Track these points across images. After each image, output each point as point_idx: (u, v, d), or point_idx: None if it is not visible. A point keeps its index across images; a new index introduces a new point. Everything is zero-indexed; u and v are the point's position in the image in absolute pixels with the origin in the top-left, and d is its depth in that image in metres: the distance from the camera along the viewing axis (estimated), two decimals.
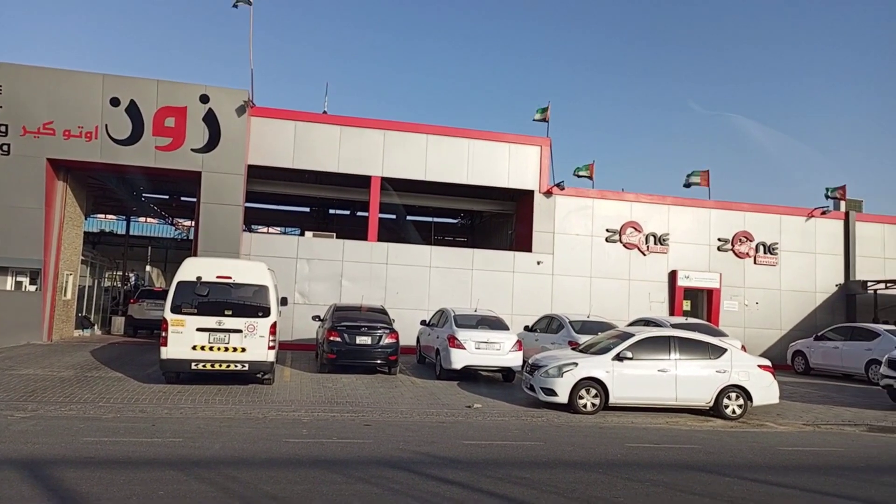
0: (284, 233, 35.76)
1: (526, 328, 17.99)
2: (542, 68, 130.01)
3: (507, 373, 15.22)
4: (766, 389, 12.20)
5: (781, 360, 20.96)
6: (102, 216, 39.40)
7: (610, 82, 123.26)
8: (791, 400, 14.27)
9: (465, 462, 7.79)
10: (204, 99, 18.85)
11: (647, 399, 12.00)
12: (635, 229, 22.99)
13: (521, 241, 23.22)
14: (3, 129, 17.46)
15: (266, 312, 12.47)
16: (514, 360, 14.78)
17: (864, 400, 14.77)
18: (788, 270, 24.03)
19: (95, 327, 22.98)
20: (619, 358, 11.84)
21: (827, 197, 24.94)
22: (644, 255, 23.06)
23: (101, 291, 25.68)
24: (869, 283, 23.84)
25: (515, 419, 10.96)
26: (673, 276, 23.08)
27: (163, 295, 16.08)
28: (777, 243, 23.99)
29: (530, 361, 12.75)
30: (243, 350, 12.17)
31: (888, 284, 23.52)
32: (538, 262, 22.08)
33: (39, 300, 18.32)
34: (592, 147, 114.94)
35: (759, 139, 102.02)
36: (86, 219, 23.08)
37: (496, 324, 15.70)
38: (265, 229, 37.00)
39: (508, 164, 22.13)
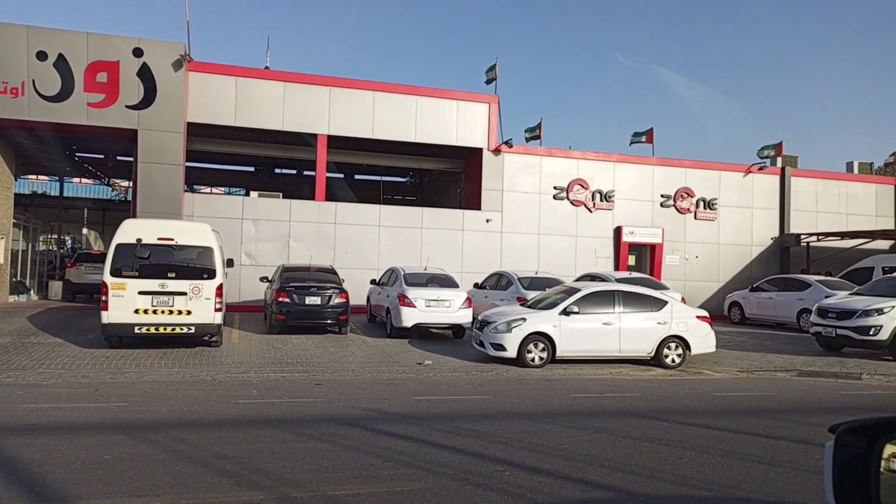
0: (229, 193, 34.85)
1: (475, 285, 18.19)
2: (487, 23, 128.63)
3: (458, 330, 15.41)
4: (703, 339, 12.73)
5: (719, 310, 21.84)
6: (34, 177, 37.62)
7: (551, 37, 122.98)
8: (727, 348, 14.94)
9: (415, 417, 7.92)
10: (137, 52, 17.98)
11: (592, 351, 12.37)
12: (582, 186, 23.30)
13: (470, 199, 23.27)
14: None
15: (211, 274, 12.24)
16: (464, 317, 14.97)
17: (795, 347, 15.59)
18: (727, 225, 24.86)
19: (31, 292, 22.14)
20: (565, 312, 12.13)
21: (760, 157, 25.69)
22: (590, 211, 23.45)
23: (37, 255, 24.66)
24: (802, 236, 24.92)
25: (465, 374, 11.17)
26: (618, 232, 23.59)
27: (101, 258, 15.55)
28: (716, 199, 24.72)
29: (480, 318, 12.94)
30: (189, 313, 11.95)
31: (820, 237, 24.63)
32: (487, 220, 22.21)
33: None
34: (540, 104, 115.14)
35: (682, 92, 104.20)
36: (15, 180, 21.97)
37: (446, 282, 15.81)
38: (208, 190, 35.96)
39: (457, 122, 21.99)
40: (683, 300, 15.61)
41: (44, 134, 19.69)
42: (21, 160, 22.82)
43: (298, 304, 14.54)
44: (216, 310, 12.16)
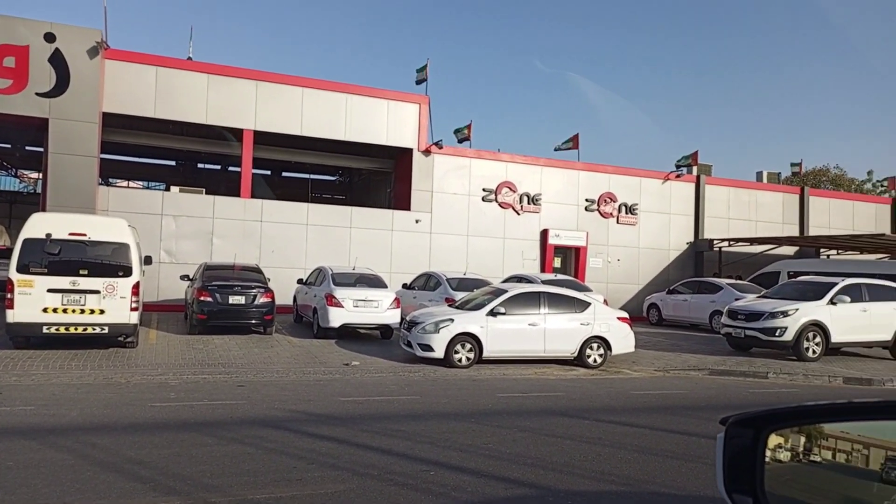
0: (148, 187, 33.44)
1: (404, 286, 18.19)
2: (420, 25, 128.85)
3: (386, 330, 15.35)
4: (623, 339, 13.20)
5: (638, 312, 22.66)
6: None
7: (480, 39, 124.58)
8: (645, 348, 15.52)
9: (341, 418, 7.85)
10: (49, 37, 17.00)
11: (518, 352, 12.60)
12: (510, 189, 23.68)
13: (400, 199, 23.23)
14: None
15: (127, 272, 11.72)
16: (393, 317, 14.93)
17: (708, 347, 16.37)
18: (646, 229, 25.84)
19: None
20: (492, 313, 12.30)
21: (677, 167, 26.85)
22: (518, 214, 23.86)
23: None
24: (715, 242, 26.21)
25: (393, 375, 11.15)
26: (545, 234, 24.11)
27: (7, 254, 14.60)
28: (637, 204, 25.65)
29: (408, 318, 12.95)
30: (102, 312, 11.40)
31: (731, 242, 25.96)
32: (416, 221, 22.24)
33: None
34: (471, 106, 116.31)
35: (595, 99, 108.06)
36: None
37: (374, 282, 15.73)
38: (126, 184, 34.38)
39: (387, 122, 21.91)
40: (606, 302, 16.11)
41: None
42: None
43: (221, 303, 14.12)
44: (132, 309, 11.65)
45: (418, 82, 23.09)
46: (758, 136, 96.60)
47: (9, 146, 25.82)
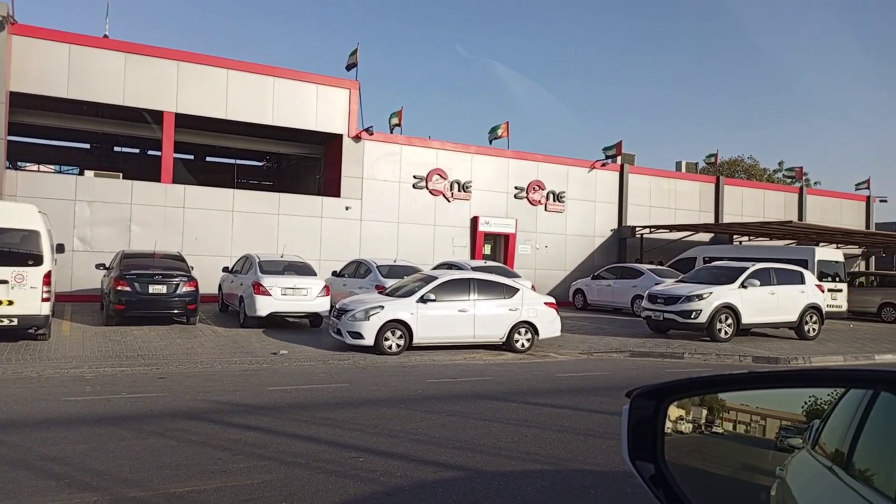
0: (60, 171, 31.65)
1: (334, 273, 18.01)
2: (352, 10, 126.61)
3: (315, 318, 15.18)
4: (550, 324, 13.53)
5: (565, 297, 23.24)
6: None
7: (409, 23, 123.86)
8: (571, 332, 15.96)
9: (269, 408, 7.74)
10: None
11: (448, 338, 12.73)
12: (441, 176, 23.76)
13: (330, 186, 22.93)
14: None
15: (38, 260, 11.12)
16: (322, 305, 14.78)
17: (629, 330, 16.99)
18: (573, 217, 26.50)
19: None
20: (423, 300, 12.36)
21: (606, 155, 27.62)
22: (449, 201, 23.99)
23: None
24: (637, 229, 27.17)
25: (322, 363, 11.06)
26: (475, 221, 24.35)
27: None
28: (564, 192, 26.24)
29: (338, 306, 12.85)
30: (10, 303, 10.80)
31: (652, 229, 26.98)
32: (346, 208, 22.01)
33: None
34: (402, 93, 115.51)
35: (514, 88, 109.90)
36: None
37: (303, 269, 15.51)
38: (36, 167, 32.42)
39: (316, 107, 21.53)
40: (533, 287, 16.44)
41: None
42: None
43: (140, 293, 13.59)
44: (43, 300, 11.07)
45: (348, 67, 22.79)
46: (677, 126, 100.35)
47: None
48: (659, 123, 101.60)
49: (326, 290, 14.98)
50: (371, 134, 22.32)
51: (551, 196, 25.96)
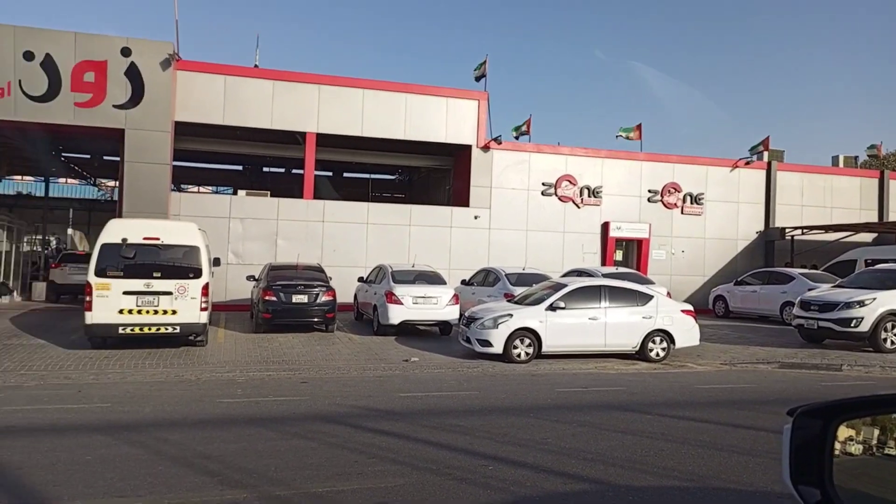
0: (216, 192, 34.70)
1: (463, 282, 18.23)
2: (475, 19, 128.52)
3: (445, 326, 15.45)
4: (688, 333, 12.84)
5: (704, 304, 21.98)
6: (19, 178, 37.24)
7: (537, 32, 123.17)
8: (711, 342, 15.05)
9: (401, 413, 7.95)
10: (125, 52, 17.84)
11: (577, 346, 12.45)
12: (570, 182, 23.38)
13: (459, 196, 23.30)
14: None
15: (197, 273, 12.20)
16: (451, 313, 15.01)
17: (778, 339, 15.73)
18: (713, 219, 25.01)
19: (15, 294, 21.95)
20: (552, 308, 12.19)
21: (751, 153, 25.89)
22: (578, 207, 23.55)
23: (20, 256, 24.45)
24: (787, 230, 25.11)
25: (452, 371, 11.21)
26: (605, 227, 23.69)
27: (86, 258, 15.44)
28: (703, 193, 24.85)
29: (467, 314, 12.99)
30: (174, 312, 11.91)
31: (805, 230, 24.83)
32: (475, 217, 22.26)
33: None
34: (529, 100, 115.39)
35: (658, 88, 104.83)
36: (0, 181, 21.76)
37: (433, 278, 15.84)
38: (196, 189, 35.80)
39: (446, 119, 22.00)
40: (669, 294, 15.70)
41: (30, 134, 19.52)
42: (6, 160, 22.62)
43: (285, 302, 14.51)
44: (202, 309, 12.12)
45: (477, 79, 23.13)
46: (833, 120, 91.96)
47: (88, 156, 27.30)
48: (811, 119, 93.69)
49: (456, 298, 15.20)
50: (499, 143, 22.44)
51: (688, 198, 24.70)
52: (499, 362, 11.89)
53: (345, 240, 20.88)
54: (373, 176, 32.59)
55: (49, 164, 26.90)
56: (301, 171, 21.81)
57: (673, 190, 24.49)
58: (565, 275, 18.37)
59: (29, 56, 17.13)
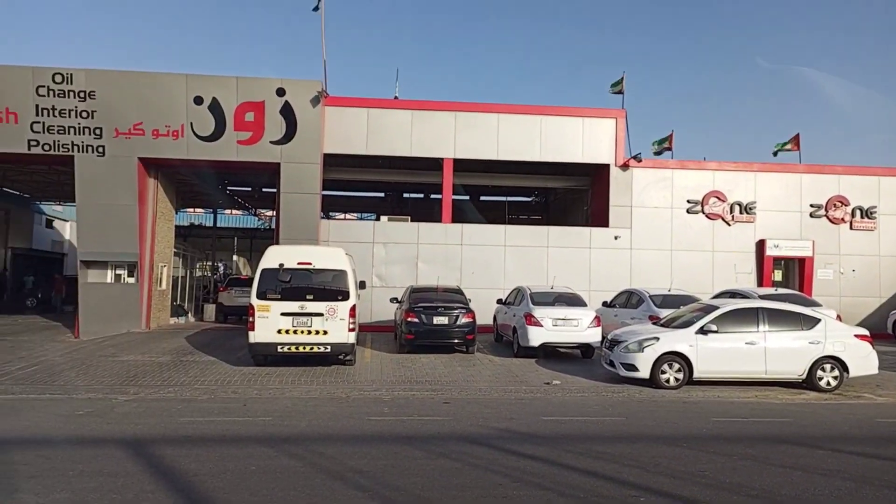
0: (361, 218, 36.52)
1: (604, 304, 17.70)
2: (612, 39, 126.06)
3: (586, 349, 15.05)
4: (863, 360, 11.53)
5: (881, 328, 19.75)
6: (191, 210, 41.41)
7: (679, 47, 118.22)
8: (892, 370, 13.43)
9: (544, 437, 7.79)
10: (280, 92, 19.39)
11: (733, 373, 11.60)
12: (719, 199, 22.09)
13: (598, 216, 22.78)
14: (98, 131, 18.58)
15: (345, 296, 12.82)
16: (593, 336, 14.61)
17: None
18: (888, 235, 22.47)
19: (189, 315, 24.26)
20: (703, 331, 11.49)
21: None
22: (728, 225, 22.16)
23: (193, 281, 27.05)
24: None
25: (595, 395, 10.85)
26: (760, 245, 22.06)
27: (249, 282, 16.78)
28: (875, 207, 22.45)
29: (609, 337, 12.56)
30: (325, 333, 12.57)
31: None
32: (616, 237, 21.63)
33: (137, 291, 19.51)
34: (670, 116, 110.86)
35: (832, 93, 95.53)
36: (176, 213, 24.32)
37: (573, 300, 15.52)
38: (342, 216, 37.90)
39: (582, 139, 21.70)
40: (839, 318, 14.24)
41: (200, 171, 21.71)
42: (180, 195, 25.27)
43: (427, 323, 14.85)
44: (350, 330, 12.70)
45: (612, 92, 22.67)
46: None
47: (249, 189, 29.83)
48: None
49: (597, 320, 14.78)
50: (639, 161, 21.73)
51: (858, 212, 22.42)
52: (646, 387, 11.36)
53: (483, 262, 21.09)
54: (509, 199, 32.71)
55: (216, 197, 29.72)
56: (439, 196, 22.39)
57: (839, 203, 22.36)
58: (717, 296, 17.26)
59: (198, 101, 19.09)
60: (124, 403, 9.50)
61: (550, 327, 14.41)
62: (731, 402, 10.56)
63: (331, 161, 21.29)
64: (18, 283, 28.65)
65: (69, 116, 18.37)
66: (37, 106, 18.21)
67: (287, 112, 19.40)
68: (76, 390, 10.45)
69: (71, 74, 18.39)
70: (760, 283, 21.60)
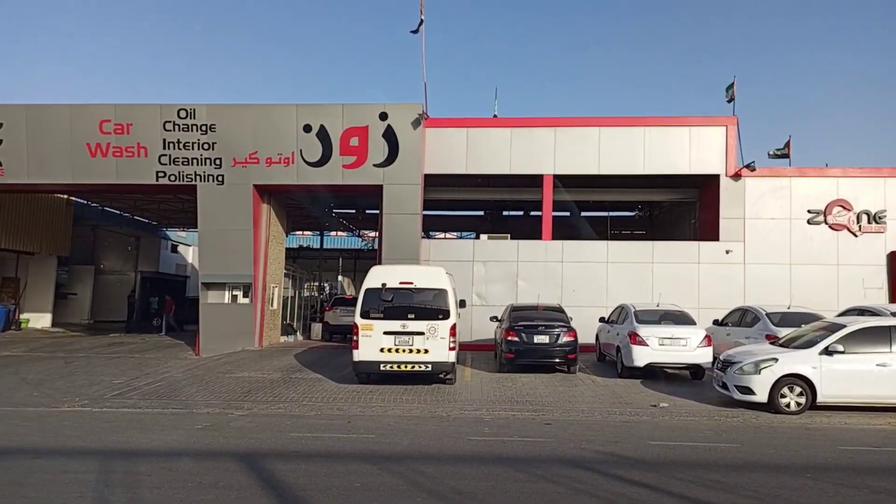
0: (460, 237, 36.80)
1: (715, 322, 16.80)
2: (721, 45, 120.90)
3: (696, 370, 14.34)
4: None
5: None
6: (300, 233, 43.40)
7: (792, 49, 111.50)
8: None
9: (651, 463, 7.47)
10: (383, 116, 20.02)
11: (864, 397, 10.66)
12: (843, 208, 20.52)
13: (706, 229, 21.76)
14: (217, 161, 19.90)
15: (446, 315, 12.93)
16: (703, 356, 13.90)
17: None
18: None
19: (297, 333, 25.30)
20: (827, 352, 10.65)
21: None
22: (855, 236, 20.51)
23: (302, 301, 28.24)
24: None
25: (707, 419, 10.30)
26: (892, 258, 20.25)
27: (353, 302, 17.29)
28: None
29: (722, 357, 11.91)
30: (426, 351, 12.72)
31: None
32: (727, 252, 20.55)
33: (251, 311, 20.60)
34: (784, 122, 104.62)
35: None
36: (286, 236, 25.57)
37: (681, 318, 14.87)
38: (442, 235, 38.38)
39: (689, 149, 20.88)
40: None
41: (308, 195, 22.73)
42: (291, 219, 26.56)
43: (527, 342, 14.68)
44: (450, 349, 12.78)
45: (729, 100, 21.65)
46: None
47: (353, 211, 30.91)
48: None
49: (708, 340, 14.06)
50: (753, 170, 20.60)
51: None
52: (763, 412, 10.65)
53: (584, 279, 20.64)
54: (611, 214, 31.91)
55: (323, 219, 31.00)
56: (539, 213, 22.20)
57: None
58: (843, 314, 15.93)
59: (307, 128, 20.04)
60: (239, 418, 10.02)
61: (657, 347, 13.86)
62: (860, 429, 9.69)
63: (431, 181, 21.65)
64: (145, 304, 31.06)
65: (192, 149, 19.81)
66: (164, 140, 19.78)
67: (389, 135, 19.96)
68: (196, 405, 11.13)
69: (194, 109, 19.84)
70: (893, 300, 19.80)
